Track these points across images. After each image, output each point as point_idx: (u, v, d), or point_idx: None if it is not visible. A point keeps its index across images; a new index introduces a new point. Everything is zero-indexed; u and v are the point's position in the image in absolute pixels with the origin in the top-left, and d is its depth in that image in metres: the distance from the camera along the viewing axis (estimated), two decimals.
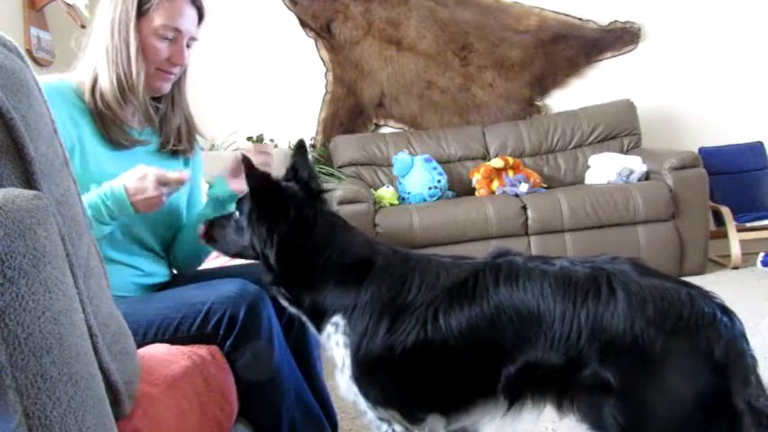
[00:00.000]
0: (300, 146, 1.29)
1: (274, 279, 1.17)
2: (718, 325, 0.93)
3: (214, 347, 1.21)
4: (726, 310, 0.97)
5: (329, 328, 1.12)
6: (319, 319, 1.15)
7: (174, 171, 1.29)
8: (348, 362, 1.08)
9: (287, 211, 1.13)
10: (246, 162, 1.10)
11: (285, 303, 1.20)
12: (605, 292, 0.96)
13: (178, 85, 1.47)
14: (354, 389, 1.09)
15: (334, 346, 1.11)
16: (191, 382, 1.04)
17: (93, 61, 1.34)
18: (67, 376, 0.60)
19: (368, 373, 1.07)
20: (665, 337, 0.92)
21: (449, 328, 1.01)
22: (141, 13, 1.33)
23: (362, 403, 1.10)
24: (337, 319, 1.10)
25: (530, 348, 0.98)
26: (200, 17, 1.43)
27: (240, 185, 1.37)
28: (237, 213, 1.24)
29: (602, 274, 0.98)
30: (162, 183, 1.25)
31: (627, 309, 0.94)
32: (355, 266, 1.11)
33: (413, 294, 1.05)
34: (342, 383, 1.12)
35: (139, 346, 0.94)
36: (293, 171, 1.24)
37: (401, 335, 1.03)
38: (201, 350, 1.15)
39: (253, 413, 1.28)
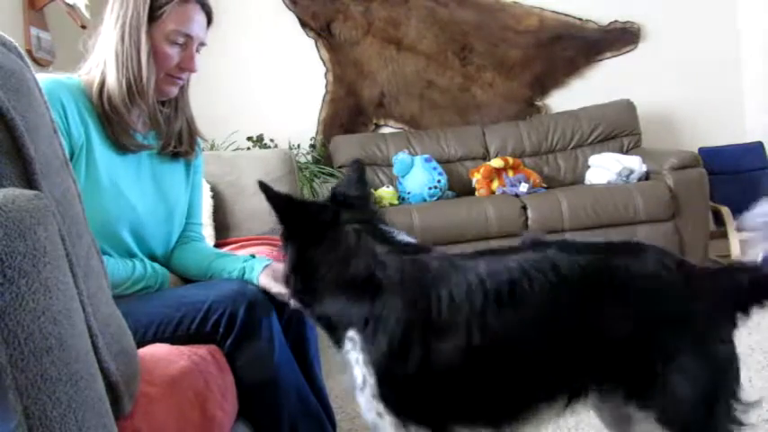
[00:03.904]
0: (357, 167, 1.23)
1: (289, 289, 1.17)
2: None
3: (214, 347, 1.21)
4: None
5: (347, 345, 1.07)
6: (334, 332, 1.11)
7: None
8: (371, 381, 1.03)
9: (305, 227, 1.11)
10: (263, 186, 1.09)
11: (306, 314, 1.19)
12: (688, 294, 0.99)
13: (182, 88, 1.47)
14: (380, 407, 1.04)
15: (354, 362, 1.05)
16: (191, 382, 1.04)
17: (101, 64, 1.33)
18: (67, 376, 0.60)
19: (398, 392, 1.02)
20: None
21: (507, 338, 0.98)
22: (153, 18, 1.32)
23: (387, 421, 1.04)
24: (352, 334, 1.05)
25: (608, 348, 0.98)
26: (209, 21, 1.43)
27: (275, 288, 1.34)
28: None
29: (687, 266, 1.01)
30: None
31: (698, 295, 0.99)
32: (363, 280, 1.06)
33: (445, 308, 0.99)
34: (363, 402, 1.06)
35: (139, 345, 0.94)
36: (344, 189, 1.19)
37: (441, 353, 0.98)
38: (201, 350, 1.15)
39: (253, 413, 1.28)
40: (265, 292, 1.33)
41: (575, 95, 4.28)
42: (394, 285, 1.02)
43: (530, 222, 3.34)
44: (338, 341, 1.09)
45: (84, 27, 2.98)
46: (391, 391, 1.01)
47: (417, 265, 1.05)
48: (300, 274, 1.12)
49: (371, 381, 1.02)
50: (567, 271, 0.98)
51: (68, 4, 2.97)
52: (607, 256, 1.01)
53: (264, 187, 1.09)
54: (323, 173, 3.93)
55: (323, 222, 1.12)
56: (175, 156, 1.50)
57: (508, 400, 1.03)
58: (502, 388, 1.01)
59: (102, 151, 1.32)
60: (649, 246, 1.04)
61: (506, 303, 0.97)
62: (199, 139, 1.57)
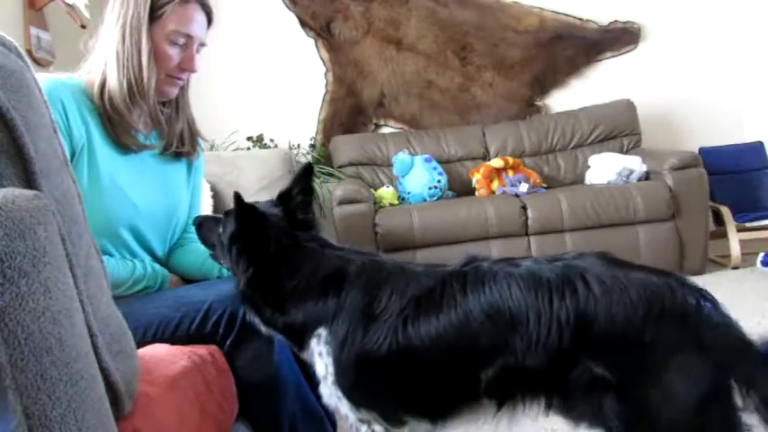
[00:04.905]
0: (306, 169, 1.23)
1: (242, 300, 1.17)
2: (702, 311, 0.93)
3: (214, 347, 1.21)
4: (707, 296, 0.96)
5: (312, 343, 1.11)
6: (299, 338, 1.14)
7: None
8: (331, 369, 1.09)
9: (266, 247, 1.12)
10: (237, 196, 1.09)
11: (256, 323, 1.17)
12: (582, 289, 0.95)
13: (182, 89, 1.47)
14: (338, 393, 1.10)
15: (318, 357, 1.11)
16: (191, 382, 1.04)
17: (102, 64, 1.34)
18: (67, 376, 0.60)
19: (348, 376, 1.08)
20: (652, 328, 0.92)
21: (418, 337, 1.03)
22: (153, 18, 1.33)
23: (345, 406, 1.11)
24: (320, 330, 1.10)
25: (506, 352, 0.98)
26: (209, 22, 1.43)
27: None
28: (221, 229, 1.22)
29: (573, 271, 0.98)
30: None
31: (608, 303, 0.93)
32: (329, 280, 1.11)
33: (384, 303, 1.06)
34: (325, 391, 1.12)
35: (139, 345, 0.94)
36: (287, 194, 1.21)
37: (375, 342, 1.04)
38: (201, 350, 1.15)
39: (253, 413, 1.28)
40: None
41: (575, 95, 4.28)
42: (357, 277, 1.10)
43: (530, 222, 3.34)
44: (302, 345, 1.14)
45: (84, 27, 2.97)
46: (343, 377, 1.08)
47: (375, 264, 1.14)
48: (259, 290, 1.14)
49: (331, 369, 1.09)
50: (471, 284, 1.03)
51: (68, 4, 2.97)
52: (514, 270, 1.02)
53: (239, 200, 1.09)
54: (323, 173, 3.93)
55: (285, 245, 1.15)
56: (178, 156, 1.50)
57: (429, 397, 1.08)
58: (420, 385, 1.07)
59: (103, 151, 1.32)
60: (589, 258, 1.01)
61: (422, 308, 1.04)
62: (199, 140, 1.57)
